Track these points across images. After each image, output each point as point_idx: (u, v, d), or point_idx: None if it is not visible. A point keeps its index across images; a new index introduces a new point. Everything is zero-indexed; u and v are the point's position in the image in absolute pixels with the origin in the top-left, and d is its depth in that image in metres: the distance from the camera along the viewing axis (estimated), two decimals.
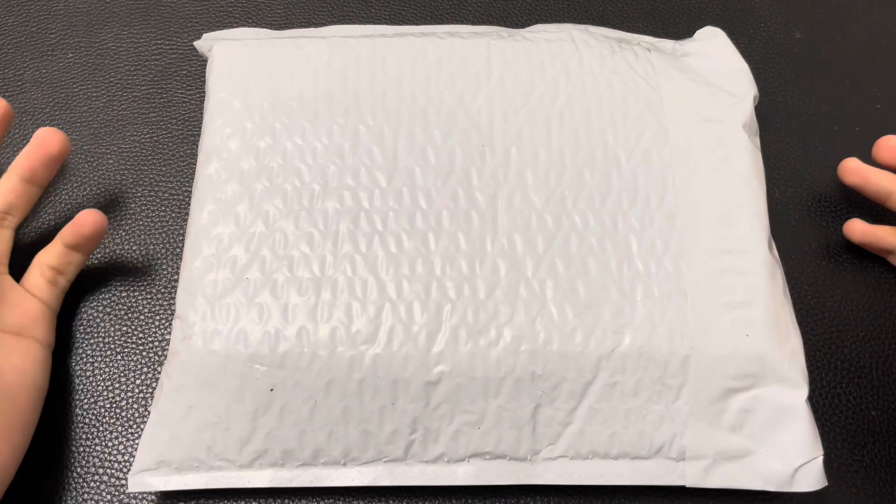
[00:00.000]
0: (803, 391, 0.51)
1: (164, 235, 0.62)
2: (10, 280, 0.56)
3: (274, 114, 0.56)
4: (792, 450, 0.51)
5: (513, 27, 0.68)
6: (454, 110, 0.57)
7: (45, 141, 0.57)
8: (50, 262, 0.57)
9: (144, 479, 0.51)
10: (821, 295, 0.62)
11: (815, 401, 0.58)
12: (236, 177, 0.54)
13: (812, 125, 0.67)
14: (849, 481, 0.55)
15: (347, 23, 0.71)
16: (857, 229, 0.62)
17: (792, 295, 0.61)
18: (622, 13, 0.75)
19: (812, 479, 0.51)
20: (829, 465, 0.55)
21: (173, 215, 0.62)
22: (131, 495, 0.53)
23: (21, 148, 0.64)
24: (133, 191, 0.63)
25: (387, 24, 0.71)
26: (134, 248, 0.61)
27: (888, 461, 0.56)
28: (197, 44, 0.61)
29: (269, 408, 0.50)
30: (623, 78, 0.58)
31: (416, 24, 0.71)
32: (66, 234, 0.57)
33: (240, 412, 0.50)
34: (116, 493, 0.53)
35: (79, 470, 0.54)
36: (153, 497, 0.53)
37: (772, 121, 0.69)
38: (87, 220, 0.57)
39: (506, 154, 0.55)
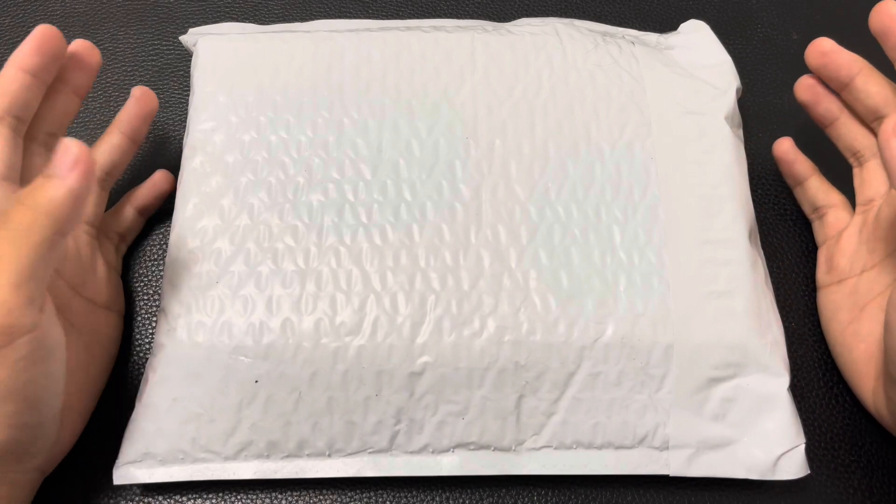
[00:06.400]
0: (785, 380, 0.52)
1: (159, 235, 0.62)
2: (97, 248, 0.57)
3: (259, 107, 0.56)
4: (774, 438, 0.51)
5: (498, 20, 0.68)
6: (438, 103, 0.57)
7: (144, 97, 0.60)
8: (118, 229, 0.60)
9: (129, 471, 0.51)
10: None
11: (812, 398, 0.58)
12: (221, 170, 0.55)
13: (809, 125, 0.67)
14: (847, 481, 0.55)
15: None
16: (783, 146, 0.64)
17: (790, 294, 0.61)
18: (619, 13, 0.75)
19: (794, 467, 0.51)
20: (827, 464, 0.56)
21: (169, 215, 0.62)
22: (120, 490, 0.53)
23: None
24: (130, 191, 0.63)
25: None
26: (131, 247, 0.61)
27: (886, 460, 0.56)
28: (182, 38, 0.61)
29: (254, 399, 0.50)
30: (606, 71, 0.59)
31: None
32: (141, 197, 0.61)
33: (224, 404, 0.50)
34: (113, 495, 0.53)
35: (75, 470, 0.54)
36: (138, 489, 0.53)
37: (769, 121, 0.69)
38: (164, 180, 0.62)
39: (490, 146, 0.56)
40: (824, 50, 0.57)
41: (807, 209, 0.64)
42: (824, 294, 0.59)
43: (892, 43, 0.52)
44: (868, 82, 0.56)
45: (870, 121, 0.57)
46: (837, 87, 0.58)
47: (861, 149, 0.58)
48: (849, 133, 0.59)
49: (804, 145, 0.64)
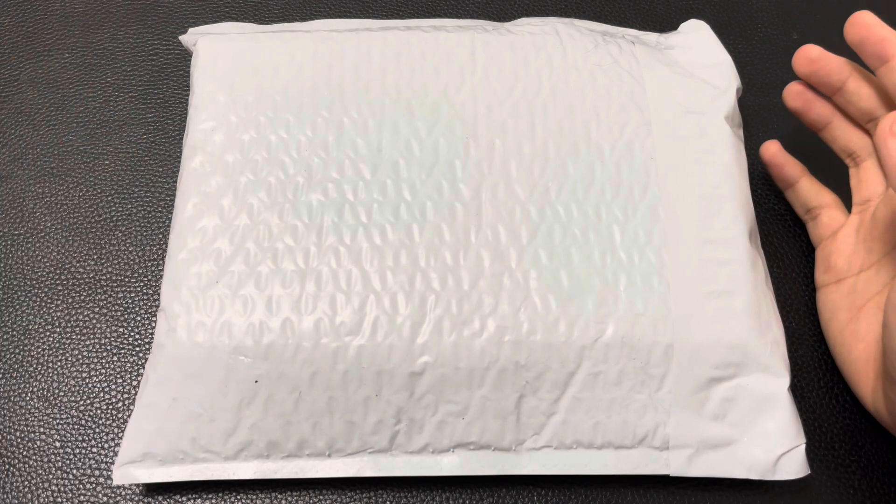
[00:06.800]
0: (785, 380, 0.52)
1: (160, 236, 0.62)
2: None
3: (258, 107, 0.56)
4: (774, 438, 0.51)
5: (498, 20, 0.68)
6: (438, 103, 0.57)
7: None
8: None
9: (129, 471, 0.51)
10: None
11: (812, 398, 0.58)
12: (221, 170, 0.54)
13: (806, 127, 0.67)
14: (847, 481, 0.55)
15: None
16: (771, 149, 0.64)
17: (790, 294, 0.61)
18: (619, 13, 0.75)
19: (794, 467, 0.51)
20: (827, 464, 0.56)
21: (169, 216, 0.63)
22: (120, 490, 0.53)
23: (20, 150, 0.65)
24: (129, 191, 0.64)
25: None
26: (130, 248, 0.61)
27: (886, 460, 0.56)
28: (182, 38, 0.61)
29: (254, 399, 0.50)
30: (606, 70, 0.59)
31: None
32: None
33: (224, 404, 0.50)
34: (113, 495, 0.53)
35: (75, 472, 0.54)
36: (138, 489, 0.53)
37: (769, 121, 0.69)
38: None
39: (490, 146, 0.55)
40: (812, 57, 0.57)
41: (799, 211, 0.64)
42: (823, 294, 0.59)
43: (869, 52, 0.52)
44: (860, 85, 0.56)
45: (863, 122, 0.57)
46: (829, 92, 0.58)
47: (856, 149, 0.58)
48: (843, 135, 0.59)
49: (803, 145, 0.64)
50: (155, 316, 0.59)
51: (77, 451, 0.54)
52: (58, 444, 0.55)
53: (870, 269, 0.55)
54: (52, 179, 0.64)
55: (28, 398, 0.56)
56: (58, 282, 0.60)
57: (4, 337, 0.58)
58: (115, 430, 0.55)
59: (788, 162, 0.63)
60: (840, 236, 0.58)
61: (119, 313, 0.59)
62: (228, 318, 0.50)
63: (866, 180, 0.58)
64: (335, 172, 0.54)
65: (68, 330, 0.58)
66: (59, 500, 0.53)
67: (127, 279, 0.60)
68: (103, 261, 0.61)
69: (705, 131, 0.57)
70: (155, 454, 0.50)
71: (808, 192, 0.62)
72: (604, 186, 0.55)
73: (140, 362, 0.57)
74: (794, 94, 0.60)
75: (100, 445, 0.54)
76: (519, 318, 0.51)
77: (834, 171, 0.62)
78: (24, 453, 0.54)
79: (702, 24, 0.65)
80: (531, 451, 0.52)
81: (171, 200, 0.63)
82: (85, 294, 0.60)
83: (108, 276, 0.60)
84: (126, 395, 0.56)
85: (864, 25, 0.52)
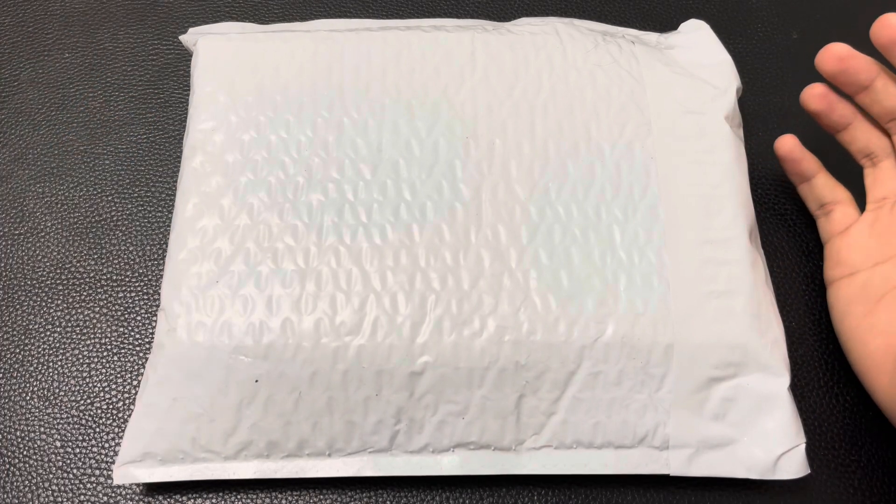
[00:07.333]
0: (785, 380, 0.52)
1: (160, 236, 0.62)
2: None
3: (259, 107, 0.56)
4: (774, 438, 0.51)
5: (498, 20, 0.68)
6: (438, 103, 0.57)
7: None
8: None
9: (129, 471, 0.51)
10: (818, 294, 0.62)
11: (812, 398, 0.58)
12: (221, 170, 0.54)
13: (808, 125, 0.67)
14: (847, 481, 0.55)
15: None
16: (788, 144, 0.62)
17: (790, 294, 0.61)
18: (619, 12, 0.75)
19: (794, 466, 0.51)
20: (827, 464, 0.56)
21: (169, 216, 0.63)
22: (120, 490, 0.53)
23: (20, 150, 0.65)
24: (129, 191, 0.64)
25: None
26: (130, 248, 0.61)
27: (886, 460, 0.56)
28: (182, 38, 0.61)
29: (254, 399, 0.50)
30: (606, 70, 0.58)
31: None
32: None
33: (224, 404, 0.50)
34: (113, 495, 0.53)
35: (75, 472, 0.54)
36: (138, 489, 0.53)
37: (768, 120, 0.69)
38: None
39: (490, 146, 0.55)
40: (841, 55, 0.56)
41: (812, 206, 0.63)
42: (835, 289, 0.58)
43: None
44: (887, 83, 0.55)
45: (885, 122, 0.57)
46: (854, 91, 0.57)
47: (875, 150, 0.58)
48: (863, 136, 0.58)
49: (803, 144, 0.64)
50: (155, 316, 0.59)
51: (77, 450, 0.54)
52: (58, 444, 0.55)
53: (887, 263, 0.55)
54: (52, 179, 0.64)
55: (28, 398, 0.56)
56: (58, 282, 0.60)
57: (4, 337, 0.58)
58: (115, 430, 0.55)
59: (806, 157, 0.62)
60: (853, 231, 0.58)
61: (119, 313, 0.59)
62: (228, 317, 0.50)
63: (883, 179, 0.58)
64: (335, 172, 0.54)
65: (68, 330, 0.58)
66: (59, 500, 0.53)
67: (127, 279, 0.60)
68: (103, 261, 0.61)
69: (705, 131, 0.57)
70: (155, 454, 0.50)
71: (824, 187, 0.61)
72: (604, 186, 0.55)
73: (140, 362, 0.57)
74: (816, 97, 0.59)
75: (100, 445, 0.54)
76: (519, 318, 0.51)
77: (833, 169, 0.62)
78: (24, 453, 0.54)
79: (702, 23, 0.65)
80: (531, 450, 0.52)
81: (171, 200, 0.63)
82: (85, 294, 0.60)
83: (108, 276, 0.60)
84: (126, 395, 0.56)
85: (893, 27, 0.52)
